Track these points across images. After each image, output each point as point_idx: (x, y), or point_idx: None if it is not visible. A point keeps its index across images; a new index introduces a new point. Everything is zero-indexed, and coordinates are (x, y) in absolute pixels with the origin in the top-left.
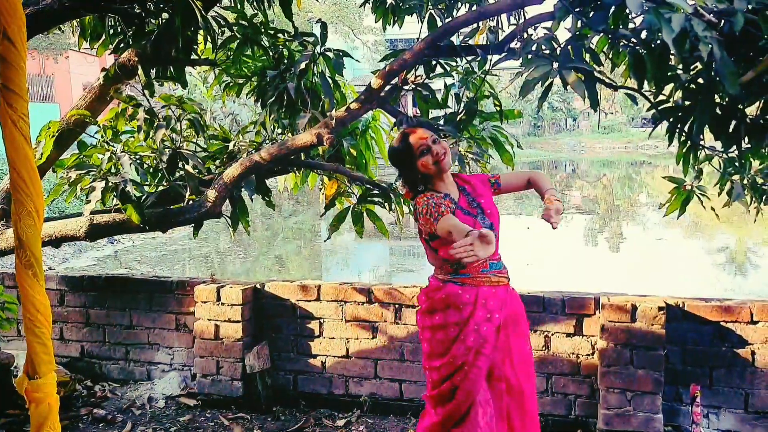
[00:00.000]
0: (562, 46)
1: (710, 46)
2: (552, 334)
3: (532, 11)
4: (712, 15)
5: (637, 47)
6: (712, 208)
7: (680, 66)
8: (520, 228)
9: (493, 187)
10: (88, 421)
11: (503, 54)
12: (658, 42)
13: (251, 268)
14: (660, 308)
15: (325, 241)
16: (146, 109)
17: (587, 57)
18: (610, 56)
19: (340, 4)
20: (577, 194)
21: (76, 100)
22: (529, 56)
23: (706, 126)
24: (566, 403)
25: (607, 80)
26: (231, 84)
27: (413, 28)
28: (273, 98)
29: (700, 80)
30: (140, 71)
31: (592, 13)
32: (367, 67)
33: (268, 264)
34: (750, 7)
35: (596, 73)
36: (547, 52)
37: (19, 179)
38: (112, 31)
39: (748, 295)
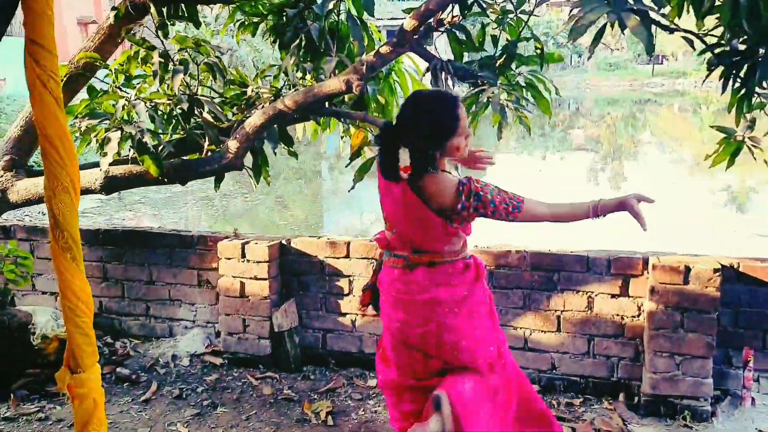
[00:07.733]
0: None
1: None
2: (596, 295)
3: None
4: None
5: None
6: (765, 161)
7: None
8: (530, 170)
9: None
10: (111, 380)
11: None
12: None
13: (252, 209)
14: (715, 270)
15: (349, 191)
16: (161, 52)
17: None
18: None
19: None
20: (580, 132)
21: (85, 42)
22: None
23: None
24: (608, 365)
25: (663, 22)
26: (246, 23)
27: None
28: (295, 41)
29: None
30: (152, 10)
31: None
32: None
33: (270, 204)
34: None
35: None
36: None
37: (51, 148)
38: None
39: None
